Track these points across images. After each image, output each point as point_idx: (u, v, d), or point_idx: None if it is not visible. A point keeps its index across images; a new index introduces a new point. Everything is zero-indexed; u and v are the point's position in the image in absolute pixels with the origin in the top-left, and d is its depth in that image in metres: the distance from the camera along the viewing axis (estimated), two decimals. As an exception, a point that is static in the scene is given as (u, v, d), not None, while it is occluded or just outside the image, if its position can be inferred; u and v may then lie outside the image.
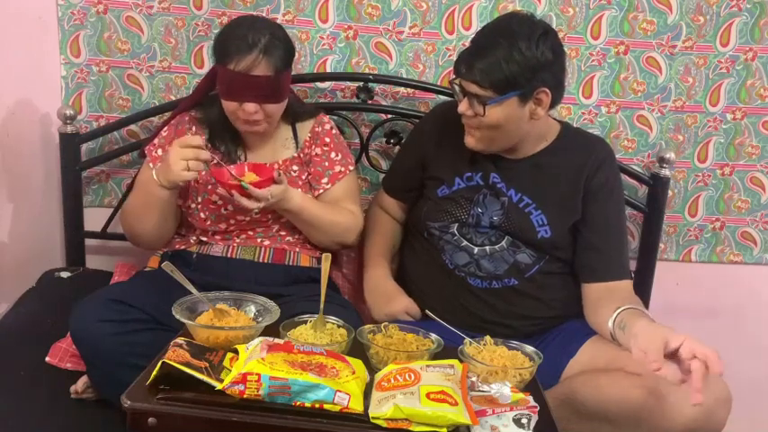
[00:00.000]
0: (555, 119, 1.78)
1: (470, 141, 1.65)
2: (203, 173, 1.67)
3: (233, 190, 1.60)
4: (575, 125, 2.06)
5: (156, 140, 1.79)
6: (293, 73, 1.83)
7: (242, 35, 1.62)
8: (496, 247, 1.69)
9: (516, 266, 1.69)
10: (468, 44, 1.64)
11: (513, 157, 1.70)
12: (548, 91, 1.57)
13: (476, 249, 1.70)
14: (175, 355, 1.17)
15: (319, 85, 2.09)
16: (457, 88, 1.60)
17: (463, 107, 1.59)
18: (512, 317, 1.68)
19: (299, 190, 1.77)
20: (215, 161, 1.66)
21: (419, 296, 1.73)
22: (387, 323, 1.43)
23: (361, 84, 2.06)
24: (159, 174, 1.64)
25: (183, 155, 1.58)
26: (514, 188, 1.68)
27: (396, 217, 1.93)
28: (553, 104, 1.60)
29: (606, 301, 1.59)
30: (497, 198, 1.69)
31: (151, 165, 1.72)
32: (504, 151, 1.69)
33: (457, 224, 1.72)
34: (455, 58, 1.63)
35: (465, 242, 1.71)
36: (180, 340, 1.24)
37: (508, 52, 1.52)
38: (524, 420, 1.14)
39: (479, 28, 1.66)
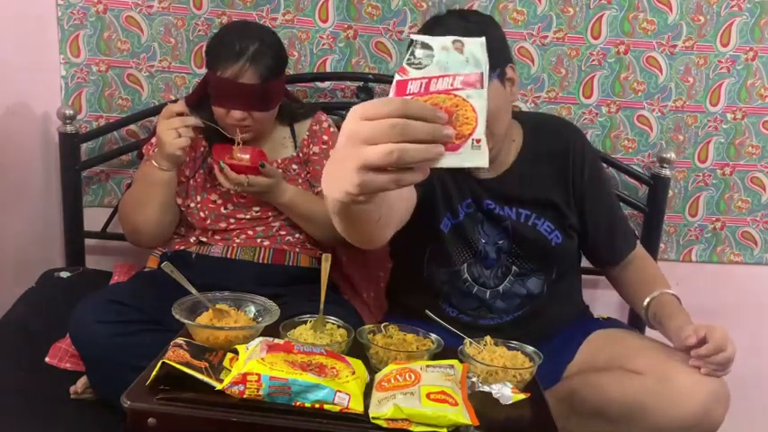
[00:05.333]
0: None
1: None
2: (205, 148, 1.72)
3: (215, 164, 1.67)
4: (578, 125, 2.07)
5: (153, 140, 1.79)
6: (293, 73, 1.83)
7: (230, 42, 1.62)
8: (506, 281, 1.63)
9: (530, 296, 1.64)
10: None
11: (493, 175, 1.62)
12: (513, 65, 1.53)
13: (488, 293, 1.63)
14: (175, 356, 1.17)
15: (319, 84, 2.09)
16: None
17: None
18: (520, 339, 1.61)
19: (299, 187, 1.77)
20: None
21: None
22: (386, 323, 1.42)
23: (361, 83, 2.06)
24: (156, 157, 1.66)
25: (170, 125, 1.62)
26: (509, 205, 1.61)
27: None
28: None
29: (635, 277, 1.72)
30: (498, 224, 1.61)
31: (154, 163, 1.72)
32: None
33: (465, 264, 1.62)
34: None
35: (477, 287, 1.63)
36: (180, 340, 1.24)
37: (474, 33, 1.47)
38: None
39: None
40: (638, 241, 1.81)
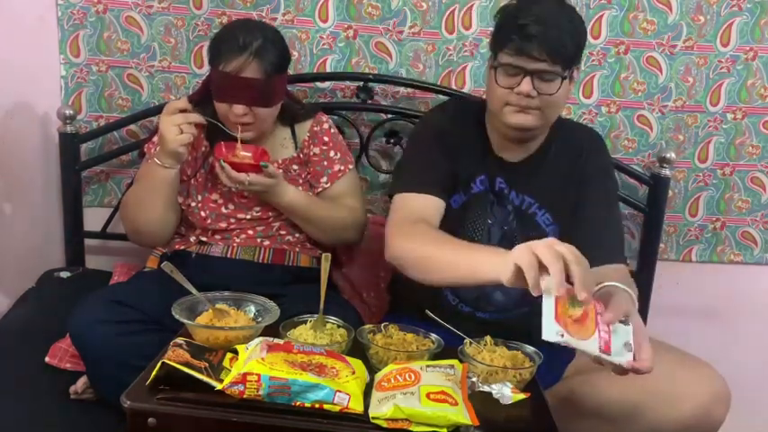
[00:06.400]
0: None
1: (528, 119, 1.51)
2: (207, 147, 1.71)
3: (216, 162, 1.66)
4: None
5: (155, 138, 1.79)
6: (293, 73, 1.83)
7: (234, 37, 1.63)
8: None
9: (529, 292, 1.64)
10: (499, 17, 1.52)
11: (514, 158, 1.63)
12: (580, 66, 1.55)
13: None
14: (175, 355, 1.17)
15: (319, 84, 2.09)
16: (510, 69, 1.47)
17: (527, 87, 1.46)
18: (518, 338, 1.60)
19: (299, 188, 1.77)
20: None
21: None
22: (386, 323, 1.42)
23: (361, 83, 2.06)
24: (159, 155, 1.66)
25: (173, 121, 1.61)
26: (516, 191, 1.63)
27: (434, 224, 1.53)
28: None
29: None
30: (504, 206, 1.62)
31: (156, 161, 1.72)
32: (515, 145, 1.61)
33: None
34: (495, 28, 1.53)
35: None
36: (180, 340, 1.24)
37: (570, 21, 1.46)
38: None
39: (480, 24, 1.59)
40: (625, 266, 1.60)
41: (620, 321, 1.23)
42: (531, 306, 1.62)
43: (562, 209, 1.63)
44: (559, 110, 1.58)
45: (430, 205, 1.54)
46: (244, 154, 1.65)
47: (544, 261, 1.15)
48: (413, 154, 1.68)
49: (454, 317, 1.46)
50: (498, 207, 1.63)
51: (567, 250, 1.16)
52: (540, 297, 1.57)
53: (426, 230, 1.47)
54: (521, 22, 1.45)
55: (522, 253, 1.18)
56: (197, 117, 1.64)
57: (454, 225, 1.58)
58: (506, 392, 1.21)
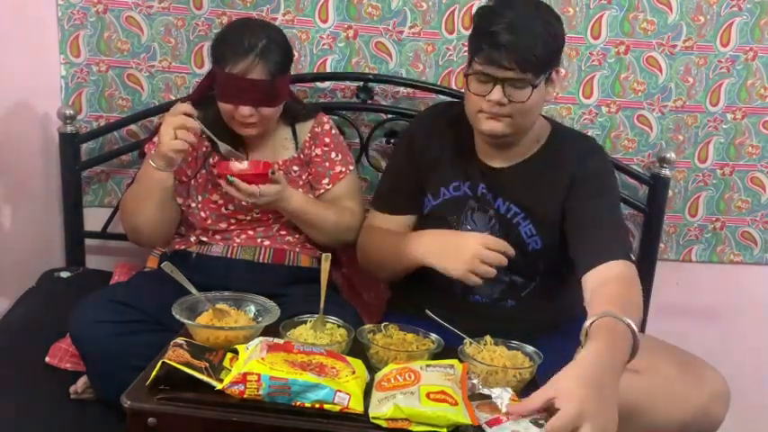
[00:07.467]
0: (545, 117, 1.70)
1: (499, 126, 1.51)
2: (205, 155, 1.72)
3: (221, 179, 1.65)
4: (575, 126, 2.07)
5: (155, 139, 1.79)
6: (293, 73, 1.83)
7: (238, 38, 1.62)
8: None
9: (513, 286, 1.64)
10: (478, 25, 1.50)
11: (500, 165, 1.62)
12: (560, 69, 1.54)
13: None
14: (175, 355, 1.17)
15: (319, 84, 2.09)
16: (482, 77, 1.47)
17: (497, 95, 1.46)
18: (514, 336, 1.51)
19: (300, 191, 1.77)
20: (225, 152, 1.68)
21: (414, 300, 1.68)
22: (386, 323, 1.42)
23: (361, 84, 2.06)
24: (154, 155, 1.65)
25: (172, 123, 1.60)
26: (502, 198, 1.61)
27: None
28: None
29: (595, 295, 1.39)
30: (485, 213, 1.61)
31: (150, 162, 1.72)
32: (501, 151, 1.61)
33: None
34: (471, 42, 1.51)
35: None
36: (180, 340, 1.24)
37: (545, 26, 1.45)
38: (542, 421, 1.10)
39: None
40: (625, 262, 1.46)
41: (533, 421, 1.10)
42: (518, 301, 1.64)
43: (546, 220, 1.60)
44: (533, 116, 1.55)
45: (393, 223, 1.71)
46: (246, 166, 1.66)
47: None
48: (387, 171, 1.84)
49: (453, 307, 1.50)
50: (479, 213, 1.63)
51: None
52: (523, 288, 1.60)
53: (379, 231, 1.70)
54: (492, 29, 1.44)
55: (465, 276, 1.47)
56: (194, 123, 1.63)
57: (427, 226, 1.63)
58: (506, 397, 1.20)
